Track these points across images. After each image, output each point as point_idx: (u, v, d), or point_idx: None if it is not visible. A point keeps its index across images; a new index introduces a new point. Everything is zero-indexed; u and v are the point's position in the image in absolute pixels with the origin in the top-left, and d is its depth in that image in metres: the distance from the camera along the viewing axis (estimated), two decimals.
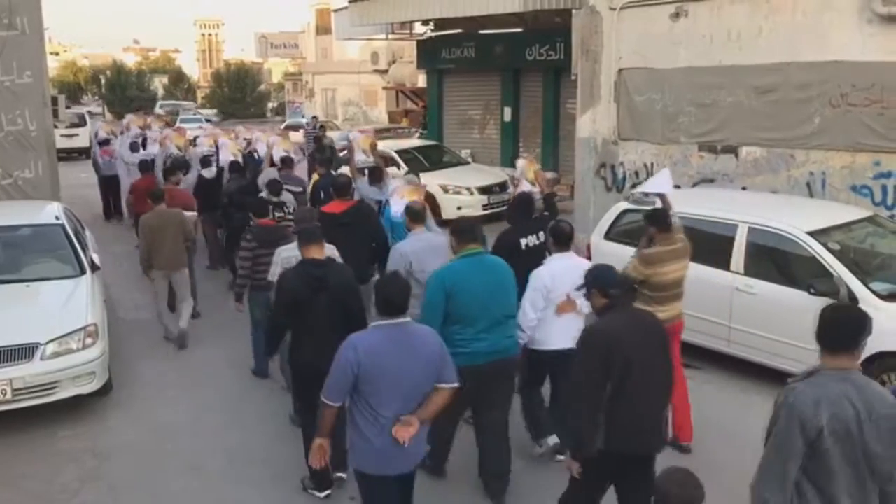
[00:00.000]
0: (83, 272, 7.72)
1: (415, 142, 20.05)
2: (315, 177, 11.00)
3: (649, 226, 6.09)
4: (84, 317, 6.94)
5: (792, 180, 9.63)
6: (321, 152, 13.95)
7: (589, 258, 8.97)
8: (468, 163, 17.84)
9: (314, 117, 26.26)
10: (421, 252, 6.12)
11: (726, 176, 10.32)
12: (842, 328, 3.20)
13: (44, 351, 6.52)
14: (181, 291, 8.77)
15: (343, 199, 7.78)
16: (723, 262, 7.56)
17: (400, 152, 16.05)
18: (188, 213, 9.26)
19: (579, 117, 12.14)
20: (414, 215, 6.46)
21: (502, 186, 15.78)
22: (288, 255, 6.29)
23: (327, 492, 5.49)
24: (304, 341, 5.29)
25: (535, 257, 6.12)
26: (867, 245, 7.66)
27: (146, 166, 11.80)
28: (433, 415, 4.13)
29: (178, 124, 25.60)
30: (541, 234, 6.45)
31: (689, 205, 8.39)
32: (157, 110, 46.48)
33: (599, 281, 4.29)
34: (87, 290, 7.43)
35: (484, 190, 15.20)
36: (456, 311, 5.02)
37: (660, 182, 7.08)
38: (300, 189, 10.60)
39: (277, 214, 8.24)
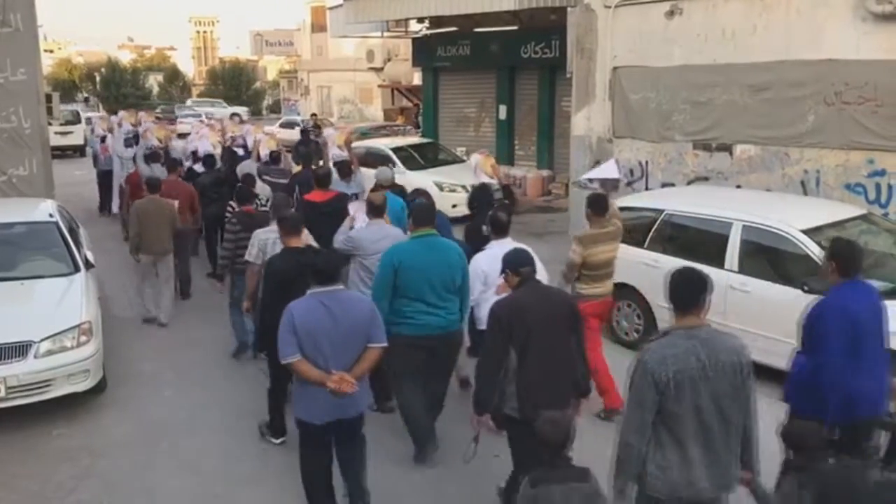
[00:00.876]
0: (77, 270, 7.70)
1: (410, 139, 20.06)
2: (297, 169, 11.35)
3: (587, 208, 6.64)
4: (78, 315, 6.93)
5: (786, 178, 9.66)
6: (305, 145, 14.43)
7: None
8: (463, 161, 17.84)
9: (313, 115, 26.25)
10: (368, 238, 6.44)
11: (721, 174, 10.34)
12: (688, 288, 3.71)
13: (38, 349, 6.50)
14: (164, 275, 9.29)
15: (325, 189, 8.30)
16: (717, 259, 7.57)
17: (395, 150, 16.05)
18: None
19: (574, 115, 12.16)
20: (371, 208, 6.72)
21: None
22: (265, 237, 6.75)
23: (282, 438, 6.08)
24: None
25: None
26: (861, 243, 7.66)
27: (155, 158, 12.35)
28: (366, 371, 4.79)
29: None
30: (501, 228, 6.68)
31: (684, 203, 8.43)
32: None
33: (512, 263, 4.81)
34: (81, 287, 7.42)
35: None
36: (404, 286, 5.51)
37: (605, 170, 7.80)
38: (285, 181, 10.86)
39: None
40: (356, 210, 7.26)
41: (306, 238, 6.42)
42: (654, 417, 3.64)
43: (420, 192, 8.09)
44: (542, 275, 5.34)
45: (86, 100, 62.63)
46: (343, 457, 5.11)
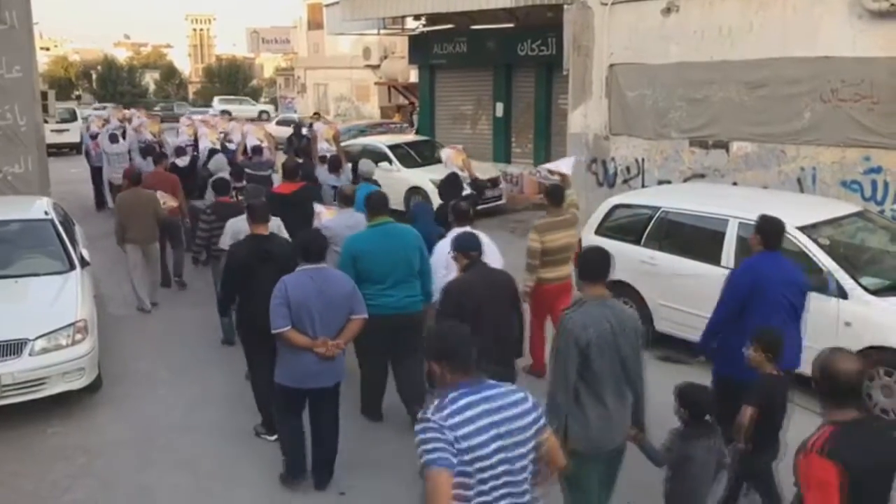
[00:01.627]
0: (72, 268, 7.69)
1: (407, 137, 20.03)
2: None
3: (545, 198, 7.31)
4: (73, 312, 6.91)
5: (782, 175, 9.67)
6: (297, 139, 14.97)
7: (579, 253, 9.02)
8: None
9: (315, 113, 26.26)
10: (341, 227, 6.94)
11: (717, 171, 10.35)
12: (599, 264, 4.27)
13: (32, 347, 6.49)
14: (151, 263, 9.74)
15: (292, 181, 8.77)
16: (713, 257, 7.57)
17: (392, 147, 16.02)
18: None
19: (571, 113, 12.16)
20: (342, 198, 7.41)
21: (494, 182, 15.78)
22: (238, 226, 7.10)
23: (276, 436, 5.95)
24: (250, 303, 5.88)
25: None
26: (857, 240, 7.68)
27: (150, 152, 12.58)
28: (349, 339, 5.39)
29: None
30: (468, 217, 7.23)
31: (680, 200, 8.42)
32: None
33: (462, 245, 5.39)
34: (76, 285, 7.40)
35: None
36: (366, 271, 5.94)
37: (564, 164, 8.66)
38: (267, 173, 11.30)
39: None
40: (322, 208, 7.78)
41: (280, 229, 6.99)
42: (576, 378, 4.09)
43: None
44: (498, 260, 6.07)
45: (77, 97, 62.37)
46: (318, 423, 5.49)
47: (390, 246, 6.06)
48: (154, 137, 14.58)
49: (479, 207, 14.57)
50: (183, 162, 12.19)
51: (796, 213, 7.56)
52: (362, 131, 23.34)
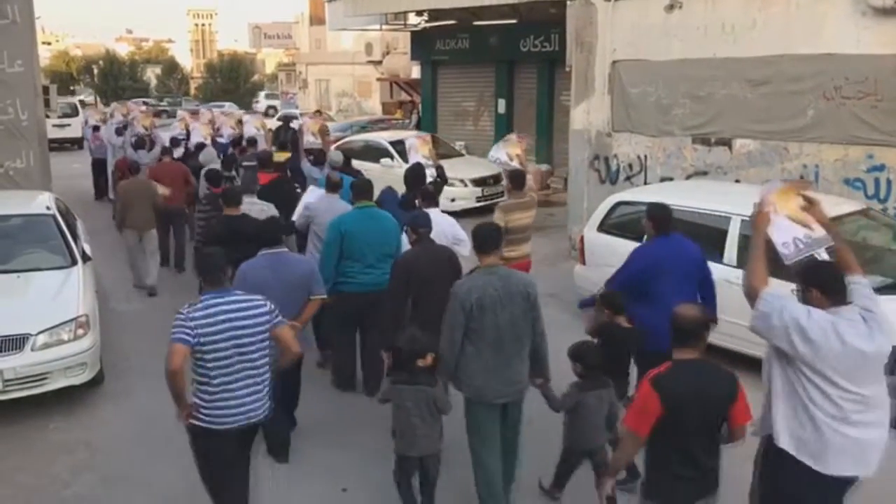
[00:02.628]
0: (74, 263, 7.69)
1: (409, 133, 20.02)
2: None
3: (508, 182, 8.11)
4: (75, 307, 6.92)
5: (785, 173, 9.64)
6: (285, 132, 15.75)
7: (582, 250, 9.03)
8: (462, 155, 17.82)
9: (317, 111, 26.29)
10: (322, 209, 7.47)
11: (720, 169, 10.33)
12: (490, 237, 4.91)
13: (34, 342, 6.50)
14: (149, 248, 10.28)
15: (266, 171, 9.91)
16: (716, 254, 7.57)
17: (393, 143, 16.02)
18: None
19: (573, 109, 12.13)
20: (329, 185, 7.89)
21: (496, 179, 15.75)
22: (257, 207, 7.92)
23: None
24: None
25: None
26: (859, 238, 7.67)
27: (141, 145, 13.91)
28: (308, 319, 5.93)
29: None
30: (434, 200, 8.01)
31: (683, 197, 8.41)
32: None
33: (413, 223, 5.99)
34: (78, 280, 7.40)
35: (478, 182, 15.20)
36: (349, 249, 6.55)
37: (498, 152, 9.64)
38: (254, 162, 11.38)
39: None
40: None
41: (261, 213, 7.68)
42: (462, 337, 4.72)
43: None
44: (463, 242, 6.67)
45: (71, 92, 62.11)
46: (284, 387, 5.72)
47: (372, 228, 6.64)
48: (146, 130, 15.48)
49: (481, 203, 14.65)
50: (178, 153, 12.80)
51: None
52: (364, 127, 23.33)
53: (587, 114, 11.84)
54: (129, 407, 6.93)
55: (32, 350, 6.48)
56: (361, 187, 7.02)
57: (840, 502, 3.85)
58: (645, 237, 6.56)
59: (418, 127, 22.55)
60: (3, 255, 7.74)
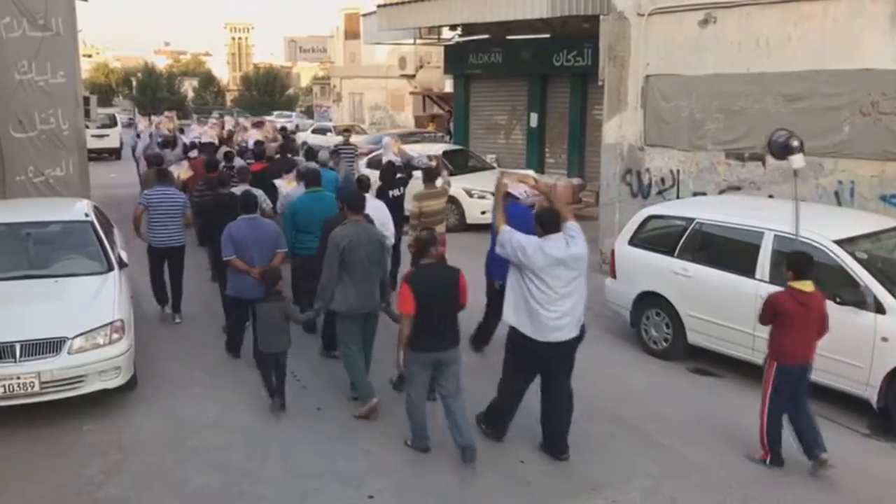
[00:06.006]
0: (111, 269, 7.81)
1: (441, 146, 20.12)
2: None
3: (424, 175, 9.86)
4: (111, 312, 7.03)
5: (820, 189, 9.54)
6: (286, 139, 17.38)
7: (613, 264, 8.99)
8: (493, 168, 17.84)
9: (346, 130, 26.51)
10: (293, 197, 9.25)
11: (753, 184, 10.24)
12: (357, 198, 6.99)
13: (71, 345, 6.61)
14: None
15: (259, 161, 12.83)
16: (748, 269, 7.51)
17: (429, 157, 16.06)
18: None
19: (605, 123, 12.11)
20: (299, 174, 9.93)
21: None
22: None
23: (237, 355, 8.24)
24: (217, 241, 8.15)
25: (399, 202, 10.29)
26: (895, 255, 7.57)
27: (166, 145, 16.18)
28: (278, 264, 7.62)
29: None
30: (402, 188, 10.53)
31: (715, 212, 8.36)
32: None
33: (350, 202, 7.00)
34: (114, 286, 7.52)
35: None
36: (302, 224, 8.37)
37: (386, 149, 12.28)
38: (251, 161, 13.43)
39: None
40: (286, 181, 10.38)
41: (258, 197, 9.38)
42: (338, 269, 6.56)
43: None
44: (389, 230, 8.12)
45: (84, 100, 62.93)
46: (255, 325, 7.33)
47: (318, 207, 8.29)
48: (169, 133, 18.07)
49: None
50: (195, 153, 15.10)
51: (833, 226, 7.48)
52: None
53: (619, 128, 11.82)
54: (161, 411, 7.02)
55: (69, 353, 6.59)
56: (311, 177, 8.94)
57: (548, 360, 5.96)
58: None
59: (452, 140, 22.63)
60: (42, 261, 7.90)
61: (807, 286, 5.86)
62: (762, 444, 6.08)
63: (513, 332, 5.97)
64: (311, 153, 13.75)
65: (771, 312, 5.92)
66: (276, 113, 58.50)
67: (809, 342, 5.92)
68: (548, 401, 6.12)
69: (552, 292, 5.74)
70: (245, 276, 7.58)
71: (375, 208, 8.19)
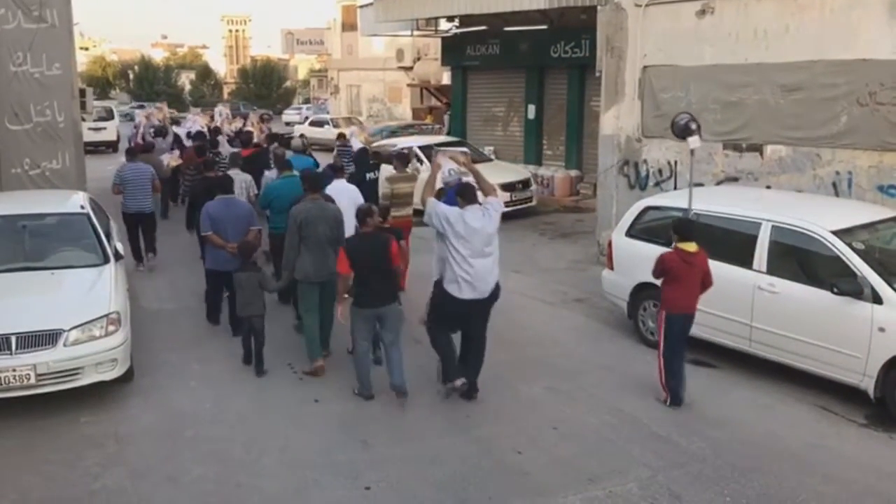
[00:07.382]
0: (107, 261, 7.81)
1: (438, 138, 20.07)
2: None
3: (395, 160, 10.85)
4: (107, 304, 7.03)
5: (817, 179, 9.53)
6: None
7: (610, 255, 8.99)
8: (491, 160, 17.82)
9: (340, 135, 26.40)
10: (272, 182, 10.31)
11: (751, 174, 10.23)
12: (315, 180, 7.96)
13: (67, 337, 6.60)
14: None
15: (247, 147, 13.68)
16: (745, 260, 7.50)
17: (422, 148, 16.07)
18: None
19: (603, 114, 12.09)
20: (280, 163, 10.45)
21: (525, 184, 15.76)
22: (240, 178, 10.95)
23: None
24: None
25: (374, 185, 11.17)
26: (893, 245, 7.56)
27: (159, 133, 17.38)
28: (250, 240, 8.28)
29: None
30: (376, 171, 11.57)
31: (713, 203, 8.34)
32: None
33: (309, 183, 7.85)
34: (110, 278, 7.52)
35: (507, 187, 15.15)
36: (277, 204, 9.06)
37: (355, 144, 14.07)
38: (238, 149, 14.11)
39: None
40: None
41: (247, 183, 11.05)
42: (298, 241, 7.38)
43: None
44: (350, 218, 7.80)
45: (80, 93, 62.94)
46: (231, 296, 8.38)
47: (289, 191, 8.83)
48: (160, 122, 19.47)
49: (510, 209, 14.61)
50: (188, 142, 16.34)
51: (830, 217, 7.47)
52: (394, 132, 23.39)
53: (617, 119, 11.80)
54: (157, 402, 7.02)
55: (65, 345, 6.59)
56: (283, 163, 10.08)
57: (471, 315, 6.83)
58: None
59: (448, 132, 22.58)
60: (38, 253, 7.89)
61: (690, 247, 6.75)
62: (663, 387, 6.92)
63: (438, 290, 6.85)
64: (283, 141, 14.88)
65: (661, 269, 6.87)
66: (293, 106, 59.05)
67: (693, 295, 6.83)
68: (465, 350, 7.05)
69: (470, 255, 6.59)
70: (221, 251, 8.39)
71: (349, 190, 9.20)
